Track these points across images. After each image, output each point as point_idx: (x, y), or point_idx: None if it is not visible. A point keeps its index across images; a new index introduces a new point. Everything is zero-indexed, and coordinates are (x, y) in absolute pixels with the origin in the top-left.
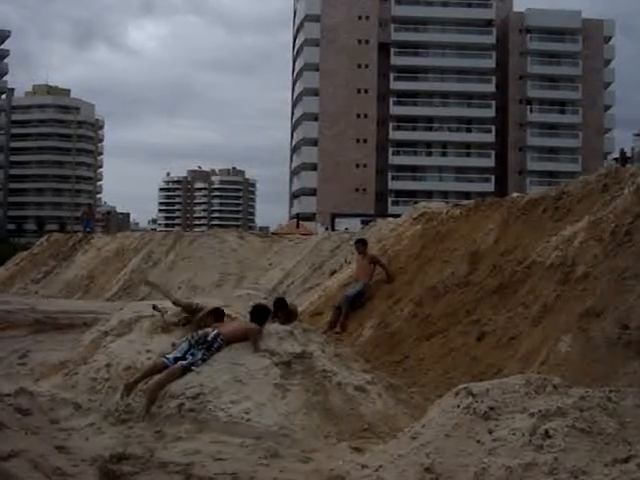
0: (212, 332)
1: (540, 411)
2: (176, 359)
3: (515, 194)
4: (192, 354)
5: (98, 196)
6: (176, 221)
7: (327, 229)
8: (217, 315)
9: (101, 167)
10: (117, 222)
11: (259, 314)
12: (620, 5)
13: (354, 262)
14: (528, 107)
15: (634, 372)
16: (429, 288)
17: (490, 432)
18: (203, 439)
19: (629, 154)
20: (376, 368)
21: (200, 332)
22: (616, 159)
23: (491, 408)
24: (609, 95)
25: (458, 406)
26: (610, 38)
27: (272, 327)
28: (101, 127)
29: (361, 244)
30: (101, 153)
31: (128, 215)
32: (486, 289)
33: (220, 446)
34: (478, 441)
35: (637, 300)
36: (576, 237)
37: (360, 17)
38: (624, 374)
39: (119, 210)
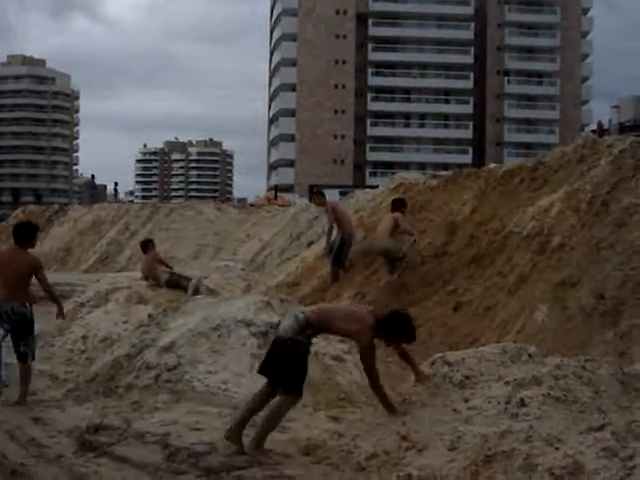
0: None
1: (515, 380)
2: None
3: (492, 165)
4: None
5: (74, 168)
6: (153, 193)
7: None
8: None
9: (77, 138)
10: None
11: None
12: None
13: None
14: (506, 78)
15: (609, 341)
16: None
17: (466, 401)
18: (180, 409)
19: (606, 126)
20: None
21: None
22: (593, 131)
23: (467, 377)
24: (587, 67)
25: (434, 375)
26: (588, 10)
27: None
28: (77, 98)
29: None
30: (77, 124)
31: (105, 187)
32: (463, 259)
33: (197, 416)
34: (454, 410)
35: (613, 270)
36: (553, 207)
37: None
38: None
39: (97, 182)
